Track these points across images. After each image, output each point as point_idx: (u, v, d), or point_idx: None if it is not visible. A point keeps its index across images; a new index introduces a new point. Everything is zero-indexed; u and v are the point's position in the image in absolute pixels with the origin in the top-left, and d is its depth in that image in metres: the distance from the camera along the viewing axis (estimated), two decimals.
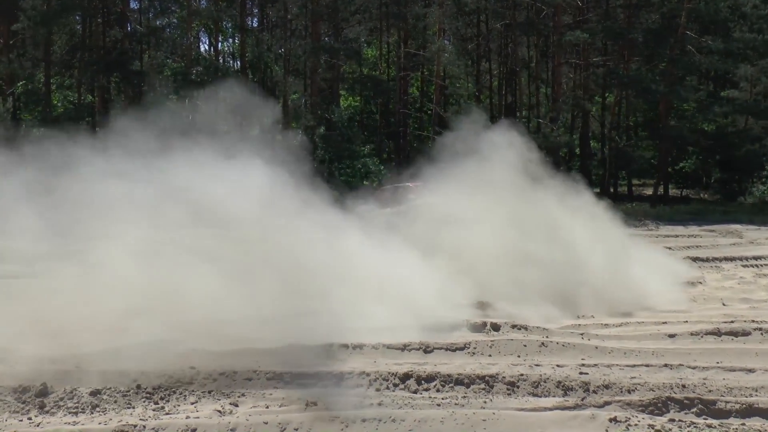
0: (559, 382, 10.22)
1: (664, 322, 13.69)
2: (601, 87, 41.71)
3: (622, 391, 10.05)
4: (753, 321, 13.48)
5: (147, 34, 38.31)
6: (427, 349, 11.39)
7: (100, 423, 8.55)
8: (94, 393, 9.23)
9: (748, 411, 9.42)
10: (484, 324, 12.63)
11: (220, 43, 46.73)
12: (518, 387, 10.10)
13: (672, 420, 9.08)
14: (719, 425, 9.06)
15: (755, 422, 9.20)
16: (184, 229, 11.72)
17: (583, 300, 14.71)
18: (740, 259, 21.47)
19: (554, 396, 9.96)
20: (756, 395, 9.99)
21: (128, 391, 9.36)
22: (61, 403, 9.02)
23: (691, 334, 12.74)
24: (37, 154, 12.48)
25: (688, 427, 8.97)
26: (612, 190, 38.85)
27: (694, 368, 11.00)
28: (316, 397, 9.43)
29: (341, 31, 41.14)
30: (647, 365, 11.07)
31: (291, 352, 10.67)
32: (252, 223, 12.48)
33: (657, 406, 9.42)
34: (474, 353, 11.45)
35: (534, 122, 40.63)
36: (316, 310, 12.60)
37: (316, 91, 38.19)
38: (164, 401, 9.25)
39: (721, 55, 37.84)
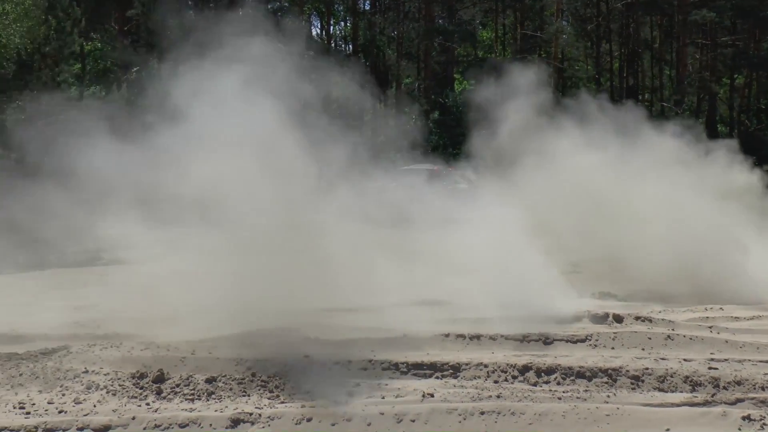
0: (687, 377, 9.97)
1: None
2: (730, 68, 40.62)
3: (755, 388, 9.76)
4: None
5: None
6: (546, 341, 11.26)
7: (216, 410, 8.71)
8: (210, 380, 9.41)
9: None
10: (606, 315, 12.42)
11: (331, 27, 47.10)
12: (643, 381, 9.90)
13: None
14: None
15: None
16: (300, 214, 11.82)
17: (711, 290, 14.41)
18: None
19: (682, 391, 9.73)
20: None
21: (243, 378, 9.50)
22: (178, 390, 9.22)
23: None
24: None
25: None
26: None
27: None
28: (432, 388, 9.44)
29: (455, 12, 41.01)
30: None
31: (406, 342, 10.70)
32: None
33: None
34: (596, 345, 11.27)
35: (657, 106, 39.86)
36: (429, 300, 12.67)
37: (429, 74, 38.18)
38: (279, 390, 9.36)
39: None
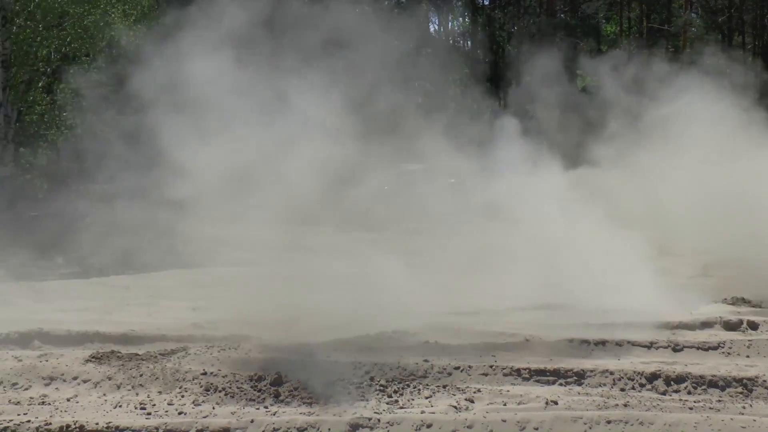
0: None
1: None
2: None
3: None
4: None
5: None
6: (676, 348, 11.02)
7: (334, 414, 8.76)
8: (328, 384, 9.47)
9: None
10: (741, 321, 12.07)
11: (449, 23, 47.07)
12: None
13: None
14: None
15: None
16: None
17: None
18: None
19: None
20: None
21: (361, 383, 9.54)
22: (296, 393, 9.30)
23: None
24: None
25: None
26: None
27: None
28: (556, 395, 9.33)
29: (578, 6, 40.52)
30: None
31: (528, 347, 10.61)
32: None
33: None
34: (729, 353, 10.96)
35: None
36: (552, 304, 12.55)
37: None
38: (398, 394, 9.37)
39: None
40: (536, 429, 8.56)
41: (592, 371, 9.99)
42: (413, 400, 9.27)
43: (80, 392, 9.40)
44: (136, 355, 10.44)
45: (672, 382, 9.82)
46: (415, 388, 9.53)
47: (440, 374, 9.83)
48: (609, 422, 8.64)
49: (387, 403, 9.14)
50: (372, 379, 9.62)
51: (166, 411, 8.83)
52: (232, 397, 9.21)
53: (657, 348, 11.01)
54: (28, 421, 8.41)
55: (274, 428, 8.50)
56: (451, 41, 44.54)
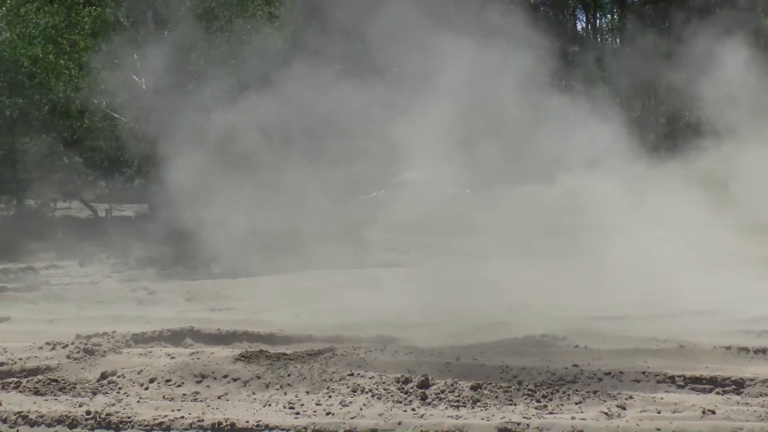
0: None
1: None
2: None
3: None
4: None
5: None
6: None
7: (482, 418, 8.76)
8: (475, 387, 9.48)
9: None
10: None
11: (597, 20, 46.44)
12: None
13: None
14: None
15: None
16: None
17: None
18: None
19: None
20: None
21: (509, 387, 9.51)
22: (443, 396, 9.34)
23: None
24: None
25: None
26: None
27: None
28: (713, 404, 9.10)
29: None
30: None
31: (683, 354, 10.40)
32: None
33: None
34: None
35: None
36: (707, 309, 12.30)
37: None
38: (547, 400, 9.31)
39: None
40: None
41: (752, 380, 9.71)
42: (563, 405, 9.19)
43: (230, 390, 9.67)
44: (284, 354, 10.67)
45: None
46: (564, 393, 9.44)
47: (590, 379, 9.73)
48: None
49: (536, 408, 9.09)
50: (520, 383, 9.59)
51: (314, 411, 8.99)
52: (379, 398, 9.31)
53: None
54: (182, 417, 8.71)
55: (421, 431, 8.56)
56: (599, 38, 44.03)
